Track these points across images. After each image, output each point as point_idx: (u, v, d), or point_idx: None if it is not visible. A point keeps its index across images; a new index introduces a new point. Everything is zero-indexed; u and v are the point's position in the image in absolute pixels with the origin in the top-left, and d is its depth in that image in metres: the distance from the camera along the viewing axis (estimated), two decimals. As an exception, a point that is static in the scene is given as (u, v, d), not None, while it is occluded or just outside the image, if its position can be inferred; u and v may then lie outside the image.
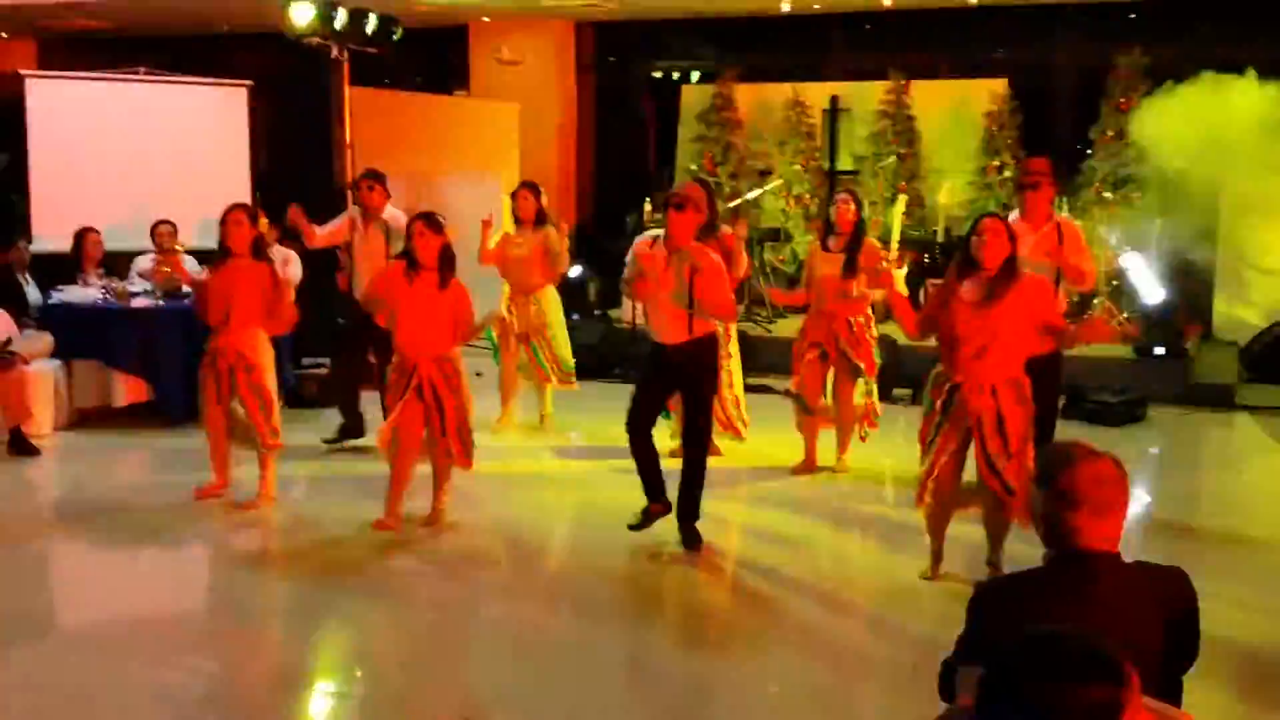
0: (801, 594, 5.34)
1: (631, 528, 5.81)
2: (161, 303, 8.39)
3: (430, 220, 5.97)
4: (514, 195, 7.98)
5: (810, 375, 7.01)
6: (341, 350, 7.85)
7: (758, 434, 7.58)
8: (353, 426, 7.78)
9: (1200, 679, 2.74)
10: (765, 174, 12.78)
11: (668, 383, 5.88)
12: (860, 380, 6.98)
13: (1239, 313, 10.02)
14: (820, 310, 6.97)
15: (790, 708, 4.35)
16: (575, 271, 11.43)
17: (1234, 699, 4.16)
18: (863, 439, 7.14)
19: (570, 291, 11.11)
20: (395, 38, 10.25)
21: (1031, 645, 1.90)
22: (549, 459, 7.85)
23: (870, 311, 7.07)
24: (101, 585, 5.64)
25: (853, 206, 6.92)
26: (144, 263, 9.27)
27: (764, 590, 5.37)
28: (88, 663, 4.60)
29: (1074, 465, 2.52)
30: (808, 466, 7.21)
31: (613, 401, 9.17)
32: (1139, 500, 6.81)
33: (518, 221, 7.90)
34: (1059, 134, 12.67)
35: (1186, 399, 8.94)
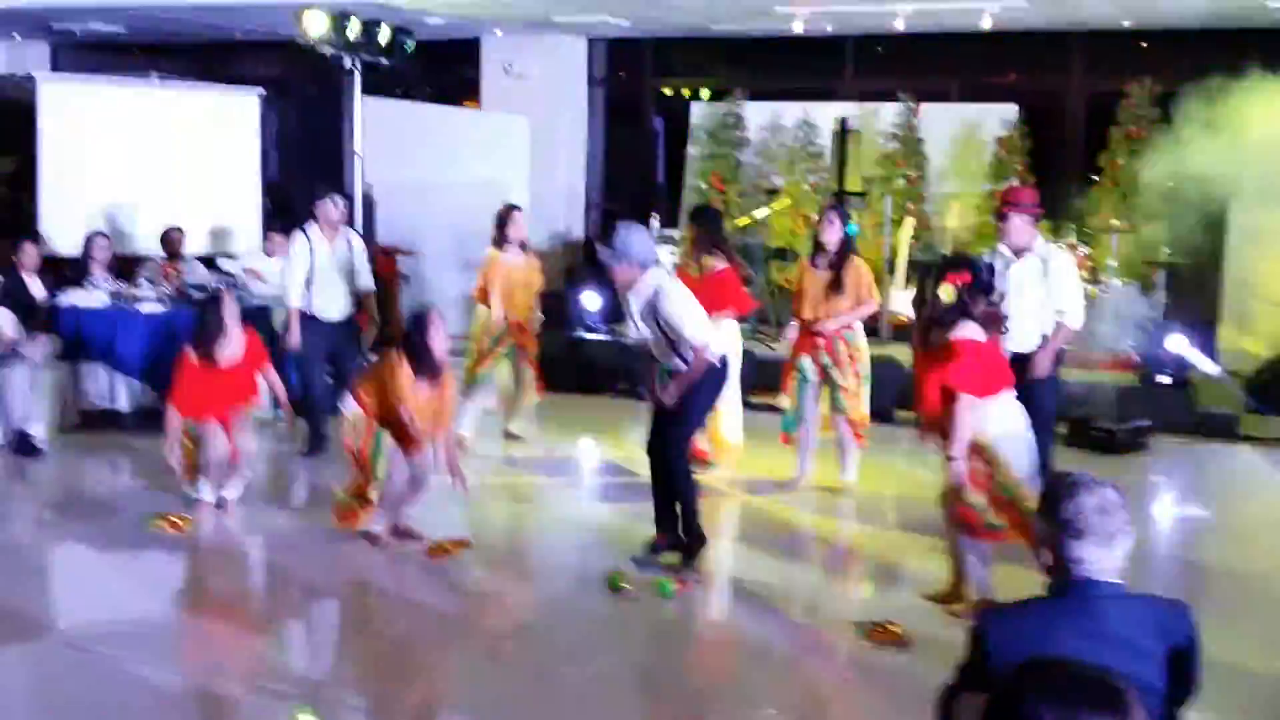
0: (794, 612, 5.33)
1: (634, 561, 5.73)
2: (169, 308, 8.40)
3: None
4: (505, 216, 8.01)
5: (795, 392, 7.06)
6: (311, 363, 7.83)
7: (760, 451, 7.58)
8: (318, 439, 7.77)
9: (1201, 712, 2.73)
10: (774, 193, 12.82)
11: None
12: (843, 398, 6.99)
13: (1244, 343, 10.00)
14: (808, 329, 7.01)
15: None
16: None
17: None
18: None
19: (577, 308, 11.16)
20: (408, 49, 10.29)
21: (1036, 673, 1.90)
22: (548, 474, 7.84)
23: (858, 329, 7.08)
24: (101, 587, 5.64)
25: (838, 224, 6.97)
26: (153, 268, 9.30)
27: (757, 609, 5.35)
28: (86, 663, 4.60)
29: (1076, 495, 2.52)
30: (796, 482, 7.19)
31: (613, 415, 9.19)
32: (1141, 530, 6.77)
33: (506, 242, 7.93)
34: (1068, 161, 12.68)
35: (1190, 429, 8.92)
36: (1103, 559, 2.50)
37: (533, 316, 8.08)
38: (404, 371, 5.73)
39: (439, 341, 5.79)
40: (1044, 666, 1.91)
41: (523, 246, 8.01)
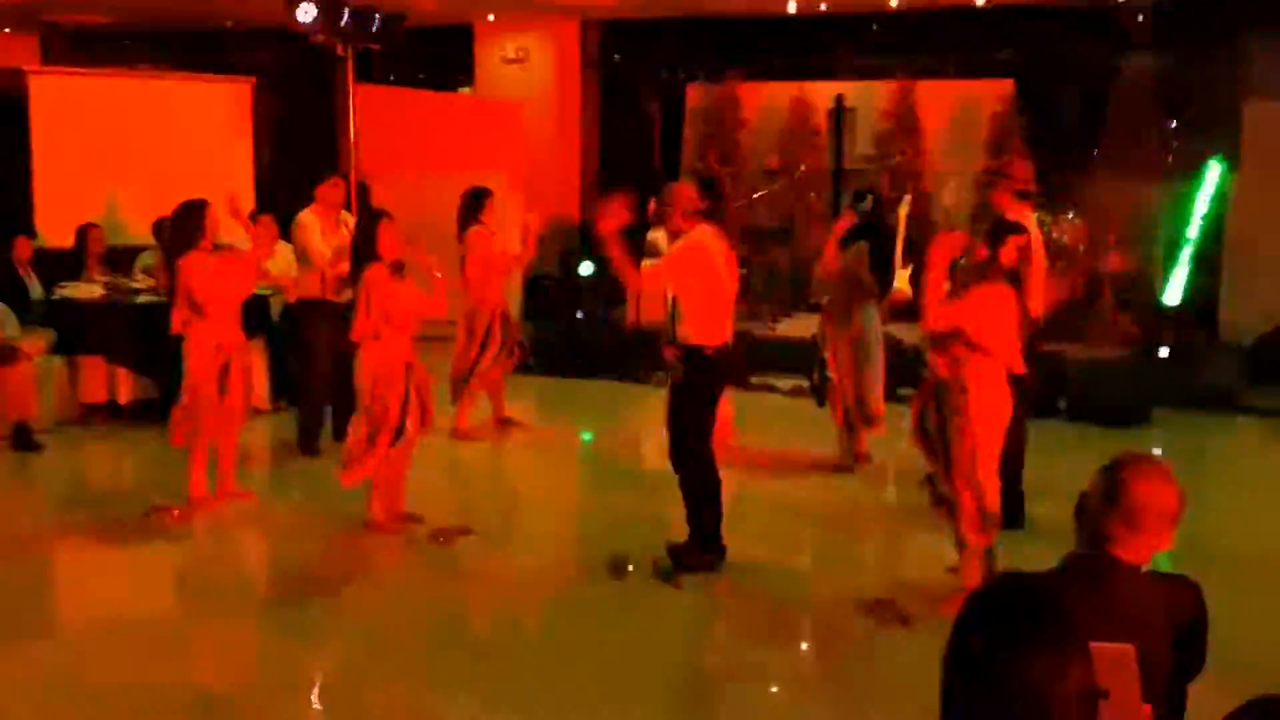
0: (799, 590, 5.32)
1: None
2: (165, 299, 8.35)
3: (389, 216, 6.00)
4: (489, 196, 7.96)
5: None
6: (316, 352, 7.60)
7: (761, 434, 7.56)
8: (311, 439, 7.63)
9: (1206, 688, 2.72)
10: (771, 174, 12.79)
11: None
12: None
13: (1245, 314, 9.96)
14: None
15: (793, 706, 4.33)
16: (585, 270, 11.52)
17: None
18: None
19: (579, 290, 11.14)
20: (400, 35, 10.22)
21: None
22: (548, 458, 7.82)
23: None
24: (102, 581, 5.63)
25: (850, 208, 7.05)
26: (147, 259, 9.26)
27: (763, 587, 5.34)
28: (86, 660, 4.59)
29: (1141, 477, 2.50)
30: (844, 462, 7.14)
31: (611, 399, 9.17)
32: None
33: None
34: (1066, 135, 12.62)
35: (1191, 401, 8.90)
36: (1133, 545, 2.48)
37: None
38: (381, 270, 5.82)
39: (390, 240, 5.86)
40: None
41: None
